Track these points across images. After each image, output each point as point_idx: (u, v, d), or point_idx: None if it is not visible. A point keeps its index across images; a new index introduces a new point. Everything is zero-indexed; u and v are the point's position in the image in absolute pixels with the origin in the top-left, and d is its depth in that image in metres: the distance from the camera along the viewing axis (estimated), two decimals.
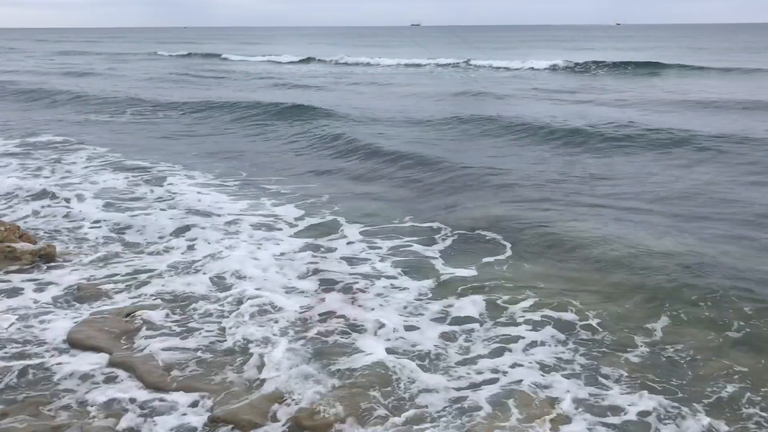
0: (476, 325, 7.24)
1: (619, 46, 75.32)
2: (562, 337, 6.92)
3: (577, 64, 42.46)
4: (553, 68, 42.40)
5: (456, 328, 7.20)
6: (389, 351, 6.63)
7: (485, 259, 9.19)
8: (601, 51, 61.73)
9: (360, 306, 7.76)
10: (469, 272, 8.71)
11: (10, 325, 7.23)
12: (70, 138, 19.32)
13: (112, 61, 59.93)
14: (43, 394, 5.88)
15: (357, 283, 8.44)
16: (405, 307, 7.71)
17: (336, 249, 9.73)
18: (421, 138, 18.64)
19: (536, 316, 7.37)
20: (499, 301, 7.79)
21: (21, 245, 9.42)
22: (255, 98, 26.85)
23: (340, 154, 16.73)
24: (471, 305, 7.68)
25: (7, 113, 25.42)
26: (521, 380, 6.08)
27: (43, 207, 12.03)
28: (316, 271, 8.85)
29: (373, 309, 7.65)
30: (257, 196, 12.60)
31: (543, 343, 6.81)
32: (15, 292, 8.17)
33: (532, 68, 43.39)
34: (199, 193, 12.91)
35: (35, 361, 6.48)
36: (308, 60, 56.64)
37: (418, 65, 49.29)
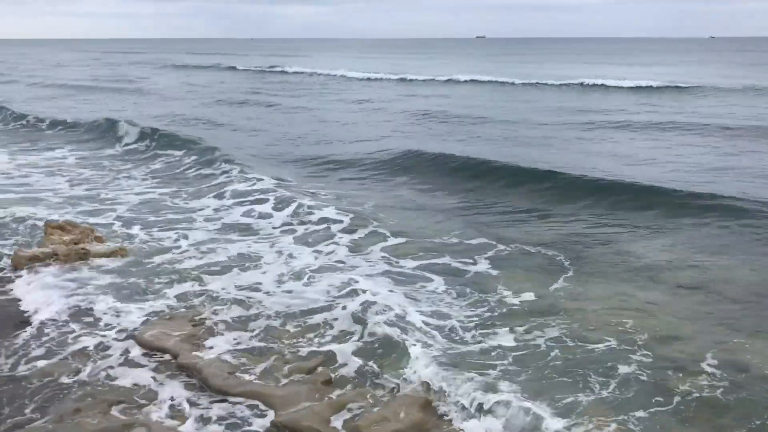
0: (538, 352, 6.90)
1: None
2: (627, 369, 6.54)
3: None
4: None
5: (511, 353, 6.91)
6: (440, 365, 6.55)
7: (545, 279, 8.93)
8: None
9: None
10: (528, 294, 8.42)
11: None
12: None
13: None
14: (113, 393, 6.07)
15: (420, 301, 8.40)
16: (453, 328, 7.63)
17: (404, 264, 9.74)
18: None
19: (598, 342, 7.12)
20: (561, 326, 7.47)
21: (94, 247, 9.79)
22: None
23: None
24: (532, 328, 7.51)
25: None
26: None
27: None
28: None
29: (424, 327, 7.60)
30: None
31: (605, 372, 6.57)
32: (87, 291, 8.49)
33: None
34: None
35: (107, 360, 6.71)
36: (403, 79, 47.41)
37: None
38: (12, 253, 9.57)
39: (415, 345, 6.78)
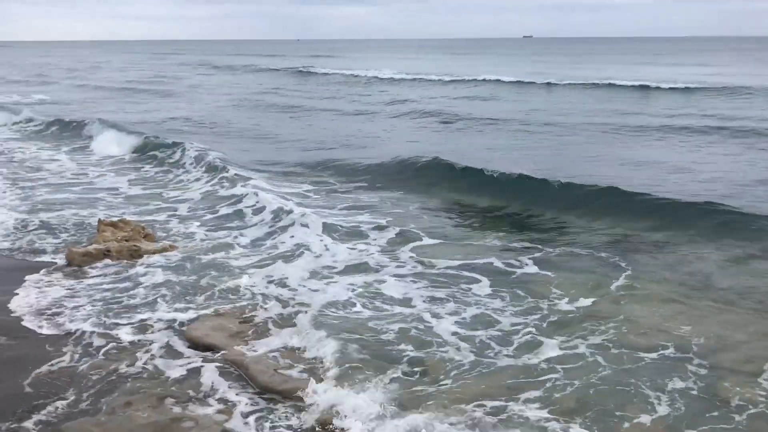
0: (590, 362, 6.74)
1: None
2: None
3: None
4: None
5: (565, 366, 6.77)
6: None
7: (593, 284, 8.75)
8: None
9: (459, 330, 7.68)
10: (575, 299, 8.26)
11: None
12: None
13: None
14: (162, 387, 6.17)
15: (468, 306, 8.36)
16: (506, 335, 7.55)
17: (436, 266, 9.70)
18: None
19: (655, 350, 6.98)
20: (611, 333, 7.32)
21: (145, 244, 9.99)
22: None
23: None
24: (581, 334, 7.40)
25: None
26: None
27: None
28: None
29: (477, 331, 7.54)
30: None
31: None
32: (138, 287, 8.67)
33: None
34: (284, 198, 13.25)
35: (157, 355, 6.83)
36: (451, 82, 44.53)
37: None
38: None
39: (450, 351, 6.72)
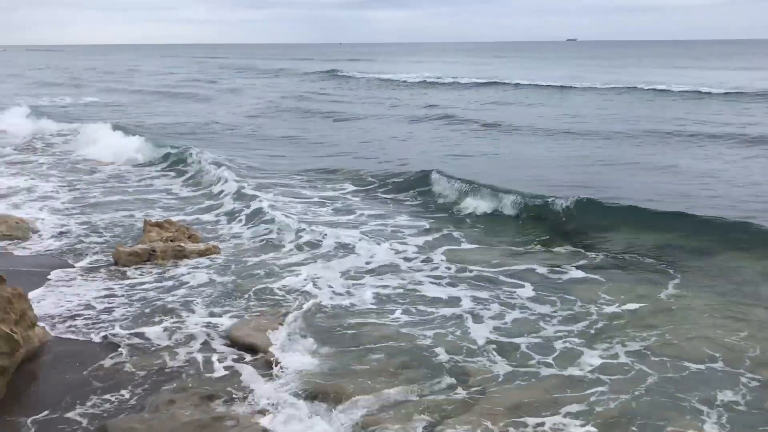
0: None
1: None
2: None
3: None
4: None
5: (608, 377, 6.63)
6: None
7: (640, 291, 8.59)
8: None
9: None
10: (622, 306, 8.12)
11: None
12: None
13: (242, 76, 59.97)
14: (205, 387, 6.24)
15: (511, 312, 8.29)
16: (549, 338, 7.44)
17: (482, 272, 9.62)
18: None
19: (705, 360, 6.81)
20: (658, 342, 7.16)
21: (189, 245, 10.15)
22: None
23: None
24: (627, 343, 7.25)
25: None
26: None
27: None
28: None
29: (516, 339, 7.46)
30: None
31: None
32: (182, 287, 8.81)
33: None
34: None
35: (199, 355, 6.92)
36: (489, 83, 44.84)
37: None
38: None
39: (490, 358, 6.64)
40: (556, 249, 10.31)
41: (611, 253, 10.13)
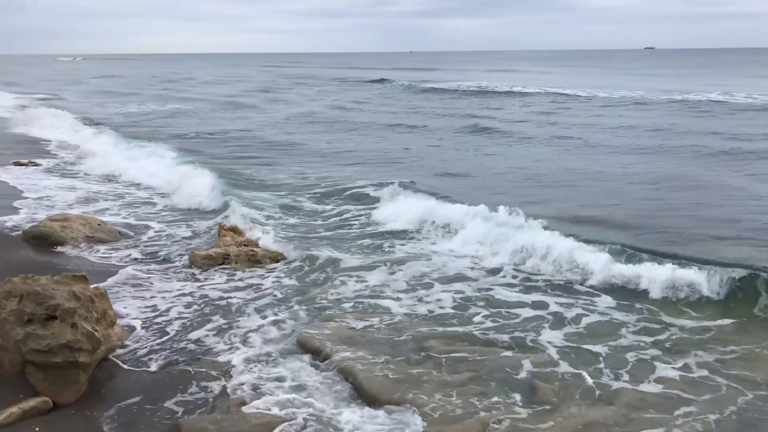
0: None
1: None
2: None
3: None
4: None
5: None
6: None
7: (735, 304, 8.25)
8: None
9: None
10: (719, 320, 7.84)
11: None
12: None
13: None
14: (273, 389, 6.34)
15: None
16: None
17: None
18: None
19: None
20: (749, 362, 6.88)
21: (262, 249, 10.37)
22: None
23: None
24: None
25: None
26: None
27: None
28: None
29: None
30: None
31: None
32: (252, 290, 9.02)
33: None
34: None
35: (268, 357, 7.04)
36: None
37: None
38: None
39: (563, 370, 6.50)
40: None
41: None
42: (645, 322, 7.89)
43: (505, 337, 7.53)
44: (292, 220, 12.88)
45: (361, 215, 13.09)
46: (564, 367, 6.78)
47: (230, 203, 13.17)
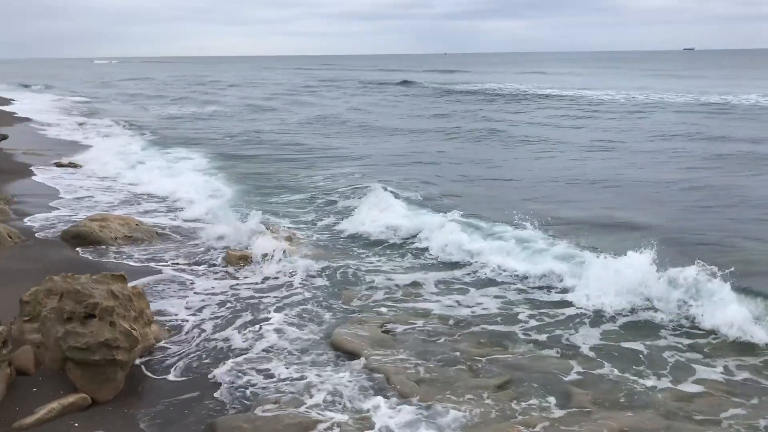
0: None
1: None
2: None
3: None
4: None
5: None
6: None
7: None
8: None
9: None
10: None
11: None
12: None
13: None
14: (307, 389, 6.36)
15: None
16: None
17: None
18: None
19: None
20: None
21: (296, 250, 10.46)
22: None
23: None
24: None
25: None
26: None
27: None
28: None
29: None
30: None
31: None
32: (284, 290, 9.10)
33: None
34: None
35: (302, 358, 7.08)
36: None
37: None
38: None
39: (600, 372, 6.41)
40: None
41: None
42: (683, 324, 7.73)
43: (543, 338, 7.47)
44: (321, 222, 12.95)
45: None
46: (601, 369, 6.68)
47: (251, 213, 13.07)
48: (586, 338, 7.55)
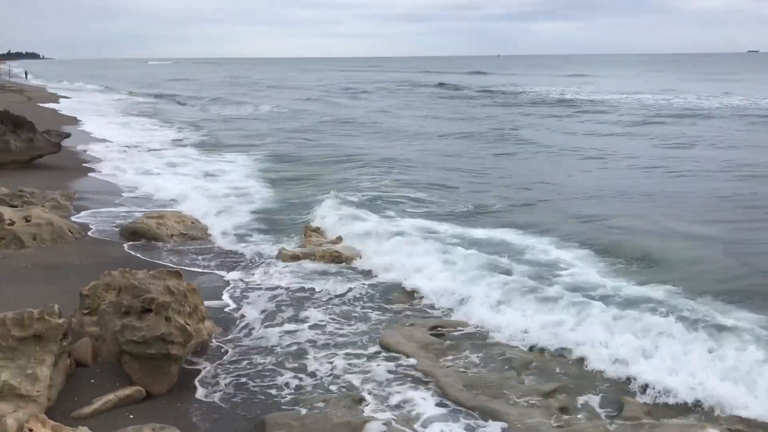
0: None
1: None
2: None
3: None
4: None
5: None
6: None
7: None
8: None
9: None
10: None
11: None
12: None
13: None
14: (357, 390, 6.40)
15: None
16: None
17: None
18: None
19: None
20: None
21: (345, 251, 10.50)
22: None
23: None
24: None
25: None
26: None
27: None
28: None
29: None
30: None
31: None
32: (335, 291, 9.14)
33: None
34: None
35: (352, 359, 7.11)
36: None
37: None
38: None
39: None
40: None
41: None
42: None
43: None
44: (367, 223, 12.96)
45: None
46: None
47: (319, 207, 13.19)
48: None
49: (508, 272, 9.67)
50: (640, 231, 11.92)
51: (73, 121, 30.50)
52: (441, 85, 62.29)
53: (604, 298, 8.44)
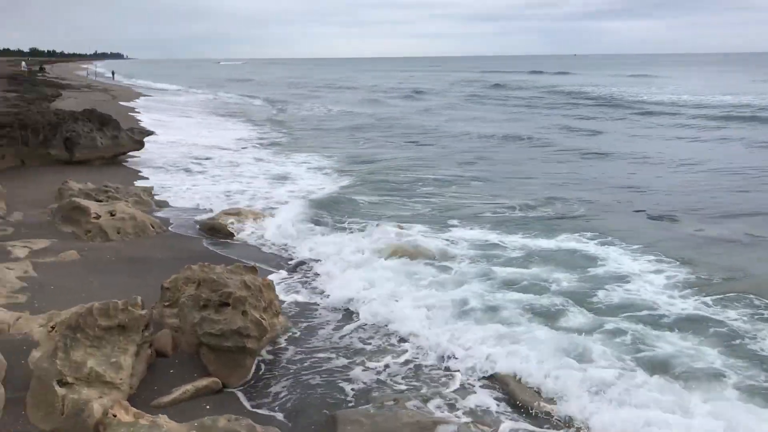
0: None
1: None
2: None
3: None
4: None
5: None
6: None
7: None
8: None
9: None
10: None
11: None
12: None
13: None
14: (429, 390, 6.39)
15: None
16: None
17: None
18: None
19: None
20: None
21: (420, 249, 10.49)
22: None
23: None
24: None
25: None
26: None
27: None
28: None
29: None
30: None
31: None
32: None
33: None
34: None
35: (425, 358, 7.11)
36: None
37: None
38: None
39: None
40: None
41: None
42: None
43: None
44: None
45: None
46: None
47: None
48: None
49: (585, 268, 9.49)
50: None
51: (158, 122, 31.63)
52: (496, 86, 60.99)
53: None
